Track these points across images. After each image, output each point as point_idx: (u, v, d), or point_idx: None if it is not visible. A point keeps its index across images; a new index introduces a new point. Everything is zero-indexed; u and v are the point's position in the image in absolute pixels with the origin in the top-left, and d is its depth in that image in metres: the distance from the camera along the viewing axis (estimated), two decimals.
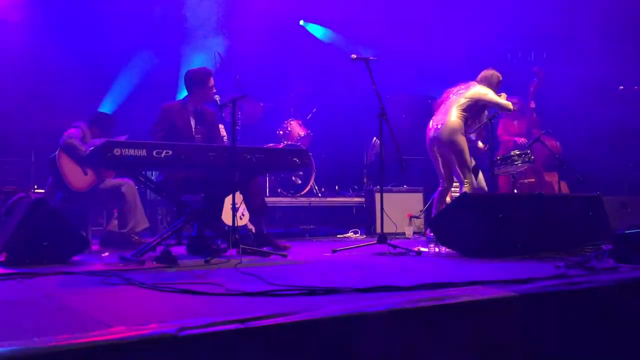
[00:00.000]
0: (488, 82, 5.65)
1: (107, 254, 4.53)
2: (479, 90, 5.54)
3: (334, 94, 8.11)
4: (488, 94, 5.52)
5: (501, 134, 7.51)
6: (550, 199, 4.89)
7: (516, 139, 7.43)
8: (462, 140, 5.42)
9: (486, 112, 5.74)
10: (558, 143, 6.97)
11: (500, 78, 5.75)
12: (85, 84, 7.61)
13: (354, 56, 5.02)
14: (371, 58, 5.00)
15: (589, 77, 7.50)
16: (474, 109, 5.55)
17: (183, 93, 5.26)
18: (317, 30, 9.47)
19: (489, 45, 7.55)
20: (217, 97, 4.68)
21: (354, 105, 7.99)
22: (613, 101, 7.30)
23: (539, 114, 7.52)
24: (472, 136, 5.81)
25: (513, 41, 8.01)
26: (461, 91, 5.59)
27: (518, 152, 5.99)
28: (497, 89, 5.66)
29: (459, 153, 5.41)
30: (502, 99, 5.55)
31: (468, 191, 5.31)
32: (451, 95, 5.64)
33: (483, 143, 5.95)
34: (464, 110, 5.48)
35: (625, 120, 7.39)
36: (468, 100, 5.49)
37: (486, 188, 5.71)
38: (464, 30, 7.95)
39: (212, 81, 4.93)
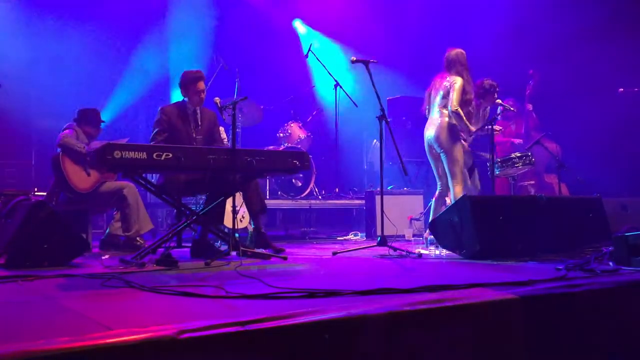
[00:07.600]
0: (459, 64, 5.39)
1: (107, 256, 4.53)
2: (447, 84, 5.37)
3: (335, 95, 8.11)
4: (455, 84, 5.26)
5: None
6: (551, 201, 4.88)
7: (513, 140, 7.42)
8: (452, 139, 5.36)
9: (487, 108, 5.66)
10: (558, 145, 6.97)
11: (464, 53, 5.44)
12: (86, 85, 7.63)
13: (354, 59, 5.01)
14: (371, 60, 5.00)
15: (588, 77, 7.50)
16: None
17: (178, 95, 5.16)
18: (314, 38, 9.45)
19: (488, 46, 7.55)
20: (217, 100, 4.67)
21: (354, 108, 7.99)
22: (612, 102, 7.30)
23: (538, 115, 7.50)
24: (470, 139, 5.76)
25: (512, 42, 8.02)
26: (442, 84, 5.42)
27: (519, 155, 5.98)
28: (466, 67, 5.39)
29: (449, 152, 5.35)
30: (455, 95, 5.26)
31: (460, 191, 5.26)
32: (436, 86, 5.50)
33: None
34: (446, 107, 5.37)
35: (625, 121, 7.40)
36: (444, 98, 5.38)
37: (479, 187, 5.65)
38: (463, 30, 7.96)
39: (200, 85, 4.81)
